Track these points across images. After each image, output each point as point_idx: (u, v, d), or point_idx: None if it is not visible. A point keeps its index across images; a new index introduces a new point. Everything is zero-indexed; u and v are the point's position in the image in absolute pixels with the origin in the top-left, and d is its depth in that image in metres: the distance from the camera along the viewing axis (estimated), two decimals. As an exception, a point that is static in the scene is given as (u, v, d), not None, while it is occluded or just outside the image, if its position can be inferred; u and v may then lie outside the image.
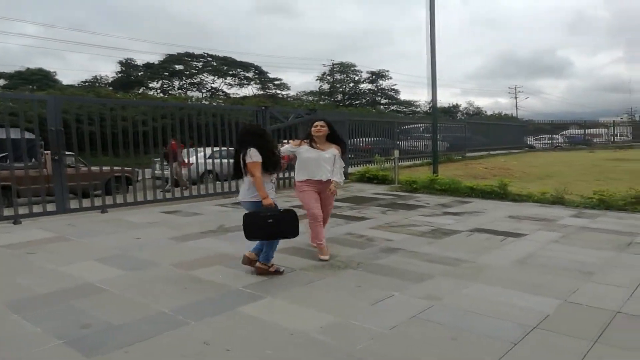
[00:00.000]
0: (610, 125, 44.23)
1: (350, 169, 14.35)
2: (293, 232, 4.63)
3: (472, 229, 6.84)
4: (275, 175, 4.85)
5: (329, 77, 65.21)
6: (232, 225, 7.22)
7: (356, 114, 28.90)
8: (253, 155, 4.42)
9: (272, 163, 4.56)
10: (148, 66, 52.58)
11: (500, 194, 9.83)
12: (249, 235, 4.54)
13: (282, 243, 5.97)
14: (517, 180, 12.37)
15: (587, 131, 41.85)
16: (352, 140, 15.66)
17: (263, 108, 11.48)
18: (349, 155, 14.73)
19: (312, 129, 5.40)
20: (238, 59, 56.95)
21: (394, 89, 67.21)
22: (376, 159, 14.34)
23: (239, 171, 4.65)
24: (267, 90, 58.48)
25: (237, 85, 59.26)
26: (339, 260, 5.19)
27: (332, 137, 5.41)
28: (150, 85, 53.36)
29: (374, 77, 65.72)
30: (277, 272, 4.69)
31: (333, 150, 5.33)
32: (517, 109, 73.51)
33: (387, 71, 65.48)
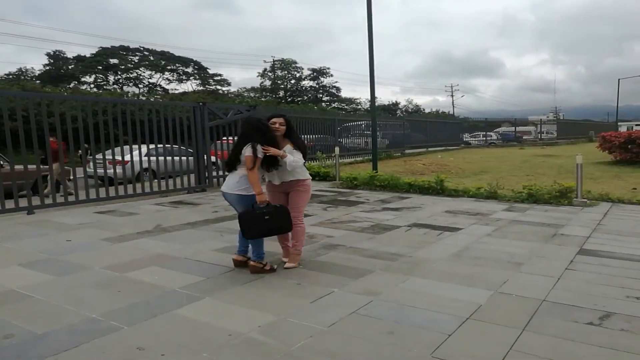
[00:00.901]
0: (538, 123, 46.81)
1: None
2: (288, 227, 4.69)
3: (410, 224, 7.00)
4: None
5: (270, 74, 64.87)
6: (169, 224, 7.00)
7: (298, 111, 28.85)
8: (258, 151, 4.44)
9: (272, 161, 4.63)
10: (79, 59, 50.20)
11: (438, 190, 10.14)
12: (248, 234, 4.51)
13: (223, 242, 5.88)
14: (454, 176, 12.81)
15: (518, 129, 44.06)
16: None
17: (201, 104, 11.22)
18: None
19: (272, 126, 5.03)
20: (177, 54, 55.51)
21: (335, 87, 67.89)
22: (318, 156, 14.39)
23: (234, 163, 4.62)
24: (208, 86, 57.38)
25: (176, 80, 57.81)
26: (278, 258, 5.15)
27: (289, 135, 4.94)
28: (83, 79, 50.94)
29: (315, 74, 66.03)
30: (272, 270, 4.69)
31: (289, 148, 4.83)
32: (453, 107, 76.35)
33: (329, 68, 66.06)
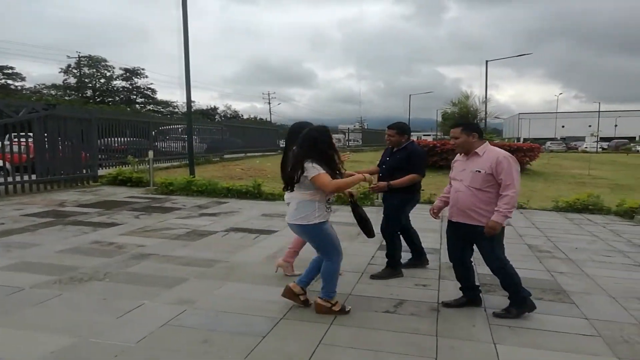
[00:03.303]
0: (347, 131, 50.96)
1: (101, 171, 13.14)
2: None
3: (227, 229, 6.96)
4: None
5: (75, 71, 58.76)
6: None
7: (109, 111, 26.64)
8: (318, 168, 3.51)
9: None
10: None
11: (255, 194, 10.29)
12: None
13: (10, 259, 5.09)
14: (271, 180, 13.12)
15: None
16: (103, 140, 14.38)
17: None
18: (99, 156, 13.48)
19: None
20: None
21: (150, 88, 64.54)
22: (130, 160, 13.44)
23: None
24: (-5, 80, 49.60)
25: (-49, 72, 48.81)
26: (81, 272, 4.65)
27: None
28: None
29: (128, 74, 61.87)
30: (343, 311, 3.76)
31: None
32: (270, 113, 78.63)
33: (143, 69, 62.55)
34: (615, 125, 69.68)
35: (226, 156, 24.15)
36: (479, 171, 3.70)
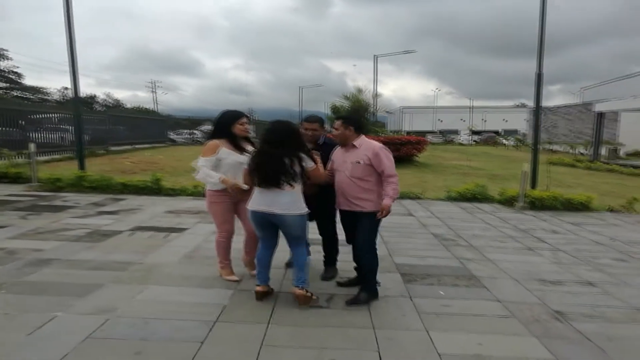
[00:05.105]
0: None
1: (-34, 166, 11.54)
2: None
3: (133, 228, 6.51)
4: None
5: None
6: None
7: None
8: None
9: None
10: None
11: (155, 189, 9.73)
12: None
13: None
14: (168, 175, 12.53)
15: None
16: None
17: None
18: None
19: (238, 125, 4.21)
20: None
21: (16, 72, 57.92)
22: (5, 153, 11.97)
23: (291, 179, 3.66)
24: None
25: None
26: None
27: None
28: None
29: (-16, 55, 54.93)
30: (317, 302, 3.95)
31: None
32: (156, 103, 74.83)
33: (6, 50, 55.91)
34: (484, 120, 76.70)
35: (112, 148, 22.59)
36: (359, 162, 3.92)
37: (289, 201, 3.67)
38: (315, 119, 4.54)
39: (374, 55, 32.63)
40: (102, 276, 4.44)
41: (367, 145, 3.97)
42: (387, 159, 3.90)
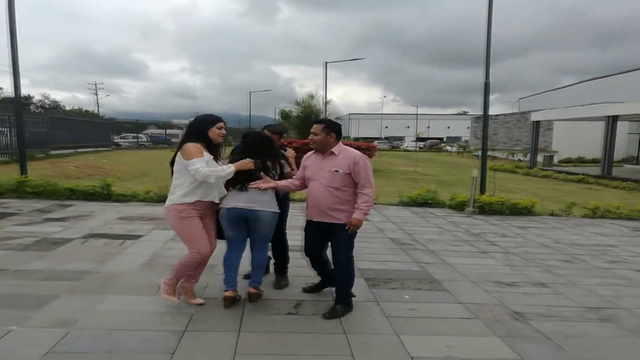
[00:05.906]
0: (182, 126, 49.31)
1: None
2: None
3: (85, 235, 6.23)
4: None
5: None
6: None
7: None
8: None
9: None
10: None
11: (105, 195, 9.37)
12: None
13: None
14: (117, 180, 12.09)
15: (168, 131, 45.26)
16: None
17: None
18: None
19: (215, 130, 3.83)
20: None
21: (-60, 69, 54.11)
22: None
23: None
24: None
25: None
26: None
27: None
28: None
29: None
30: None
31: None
32: (98, 106, 71.87)
33: None
34: (428, 127, 79.04)
35: (53, 152, 21.53)
36: (337, 171, 3.73)
37: (268, 199, 3.90)
38: (278, 130, 4.54)
39: (325, 62, 32.98)
40: (57, 286, 4.22)
41: (346, 153, 3.78)
42: (365, 168, 3.72)
